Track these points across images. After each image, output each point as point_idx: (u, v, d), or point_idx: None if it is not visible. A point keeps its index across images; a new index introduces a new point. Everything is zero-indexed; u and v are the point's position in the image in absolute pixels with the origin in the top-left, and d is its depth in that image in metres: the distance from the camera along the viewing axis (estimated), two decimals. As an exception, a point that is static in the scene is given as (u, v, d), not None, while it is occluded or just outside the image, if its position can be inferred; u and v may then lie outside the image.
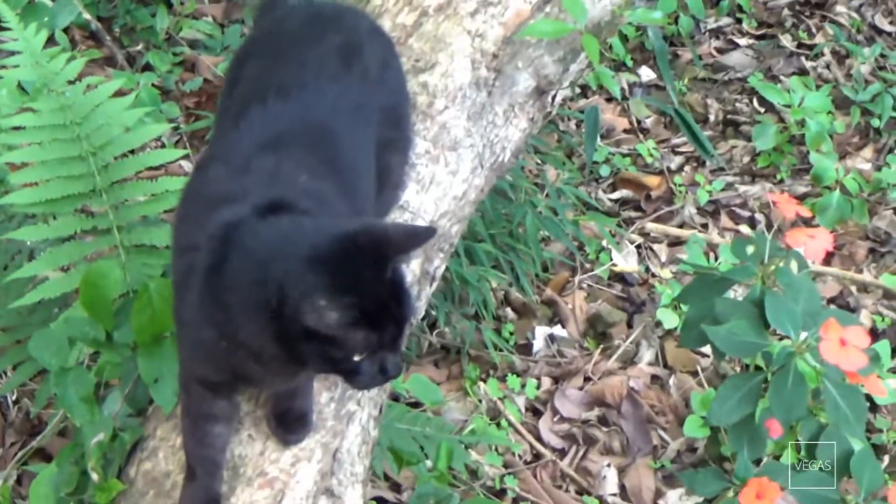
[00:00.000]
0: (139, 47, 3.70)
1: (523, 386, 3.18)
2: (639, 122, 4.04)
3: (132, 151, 2.44)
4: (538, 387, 3.19)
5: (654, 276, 3.52)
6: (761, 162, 3.89)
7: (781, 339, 2.03)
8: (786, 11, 4.47)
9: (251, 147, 1.79)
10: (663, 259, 3.57)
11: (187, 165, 3.27)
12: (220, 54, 3.71)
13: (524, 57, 2.36)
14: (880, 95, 3.96)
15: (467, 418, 3.07)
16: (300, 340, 1.61)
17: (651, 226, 3.66)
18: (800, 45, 4.33)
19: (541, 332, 3.32)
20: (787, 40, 4.34)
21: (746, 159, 3.93)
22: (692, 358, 3.24)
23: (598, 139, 3.85)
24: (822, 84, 4.09)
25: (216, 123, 2.04)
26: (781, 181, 3.83)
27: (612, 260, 3.53)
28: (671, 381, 3.21)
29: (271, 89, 1.86)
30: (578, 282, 3.47)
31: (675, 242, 3.62)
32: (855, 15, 4.42)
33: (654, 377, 3.24)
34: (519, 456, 3.04)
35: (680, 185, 3.81)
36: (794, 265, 2.05)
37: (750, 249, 2.10)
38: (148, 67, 3.61)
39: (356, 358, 1.63)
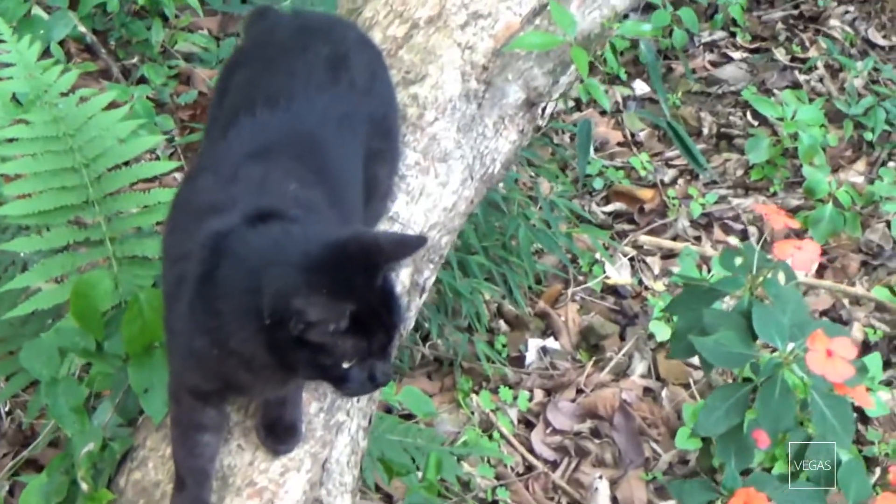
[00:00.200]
0: (134, 60, 3.72)
1: (515, 398, 3.19)
2: (632, 135, 4.05)
3: (126, 163, 2.45)
4: (530, 399, 3.20)
5: (647, 288, 3.52)
6: (754, 175, 3.90)
7: (774, 351, 2.04)
8: (780, 25, 4.49)
9: (240, 156, 1.80)
10: (656, 272, 3.58)
11: (181, 177, 3.28)
12: (216, 67, 3.72)
13: (514, 69, 2.38)
14: (873, 109, 3.96)
15: (460, 430, 3.08)
16: (290, 347, 1.62)
17: (644, 238, 3.67)
18: (793, 59, 4.35)
19: (533, 344, 3.33)
20: (780, 54, 4.36)
21: (740, 172, 3.94)
22: (684, 370, 3.25)
23: (592, 152, 3.86)
24: (816, 97, 4.10)
25: (205, 133, 2.05)
26: (775, 194, 3.84)
27: (605, 272, 3.54)
28: (663, 393, 3.22)
29: (259, 99, 1.88)
30: (571, 294, 3.48)
31: (669, 255, 3.63)
32: (848, 29, 4.44)
33: (647, 389, 3.24)
34: (511, 468, 3.04)
35: (673, 198, 3.82)
36: (781, 276, 2.06)
37: (738, 261, 2.11)
38: (143, 80, 3.62)
39: (345, 365, 1.64)
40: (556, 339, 3.36)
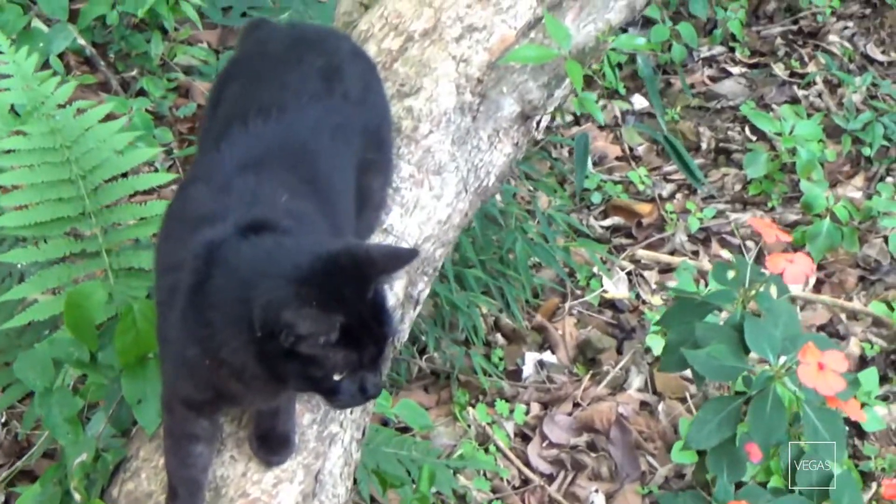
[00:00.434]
0: (134, 73, 3.73)
1: (512, 411, 3.19)
2: (631, 149, 4.06)
3: (124, 175, 2.45)
4: (527, 412, 3.20)
5: (644, 302, 3.53)
6: (752, 190, 3.90)
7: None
8: (778, 40, 4.49)
9: (232, 167, 1.81)
10: (654, 286, 3.58)
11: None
12: (214, 80, 3.72)
13: (509, 82, 2.38)
14: (871, 124, 3.97)
15: (456, 443, 3.08)
16: (281, 359, 1.63)
17: (642, 253, 3.67)
18: (792, 74, 4.35)
19: (530, 357, 3.33)
20: (779, 69, 4.37)
21: (738, 187, 3.94)
22: (681, 384, 3.25)
23: (591, 166, 3.87)
24: (814, 112, 4.11)
25: (199, 144, 2.06)
26: (772, 209, 3.84)
27: (602, 286, 3.54)
28: (660, 407, 3.21)
29: (252, 110, 1.89)
30: (568, 308, 3.48)
31: (666, 269, 3.63)
32: (847, 44, 4.45)
33: (643, 403, 3.24)
34: (507, 481, 3.04)
35: (671, 213, 3.83)
36: (773, 290, 2.07)
37: (731, 274, 2.11)
38: (142, 93, 3.63)
39: (336, 377, 1.65)
40: (553, 352, 3.36)
